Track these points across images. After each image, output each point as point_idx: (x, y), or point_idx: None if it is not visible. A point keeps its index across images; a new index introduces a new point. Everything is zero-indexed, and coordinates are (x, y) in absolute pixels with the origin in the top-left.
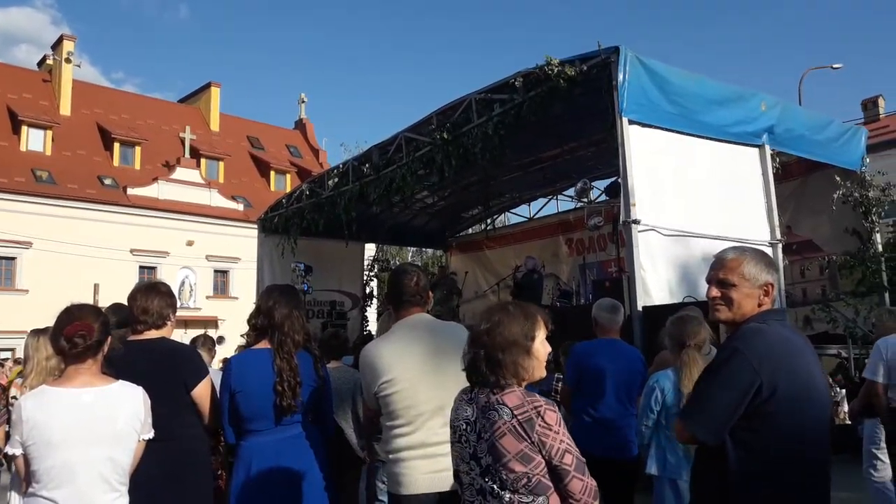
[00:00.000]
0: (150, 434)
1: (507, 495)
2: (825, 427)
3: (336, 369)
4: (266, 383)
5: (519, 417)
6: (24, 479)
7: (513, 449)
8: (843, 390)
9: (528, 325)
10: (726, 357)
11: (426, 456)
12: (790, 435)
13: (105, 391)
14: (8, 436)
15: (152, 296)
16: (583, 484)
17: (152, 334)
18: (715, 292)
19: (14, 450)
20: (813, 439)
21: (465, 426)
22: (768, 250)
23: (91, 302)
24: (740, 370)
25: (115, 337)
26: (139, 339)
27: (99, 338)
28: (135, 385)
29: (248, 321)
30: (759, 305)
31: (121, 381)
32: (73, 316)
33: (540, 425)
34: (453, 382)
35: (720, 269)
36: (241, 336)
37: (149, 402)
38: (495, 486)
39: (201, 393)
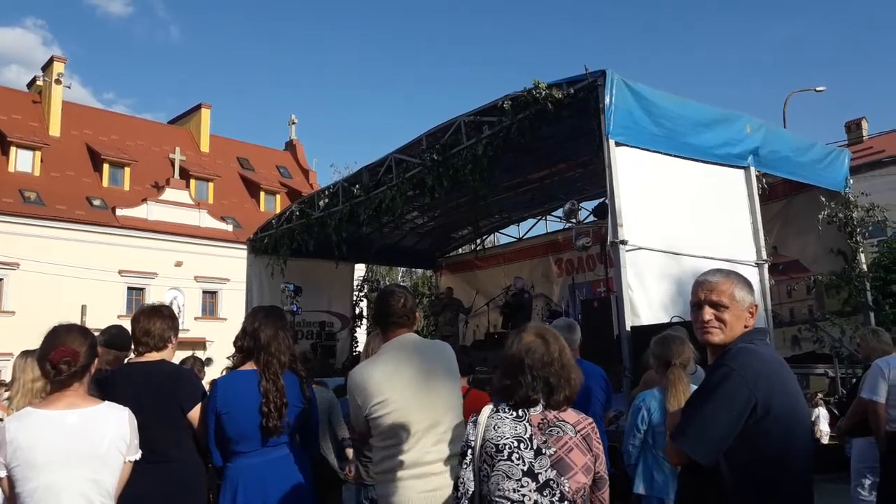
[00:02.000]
0: (137, 455)
1: None
2: (811, 445)
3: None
4: (252, 405)
5: (581, 433)
6: (9, 501)
7: (580, 462)
8: (820, 409)
9: (570, 351)
10: (721, 378)
11: (420, 475)
12: (785, 453)
13: (90, 412)
14: None
15: (154, 318)
16: (609, 492)
17: (153, 356)
18: (709, 315)
19: None
20: (802, 457)
21: (516, 443)
22: (755, 270)
23: (78, 323)
24: (737, 390)
25: (102, 358)
26: (140, 361)
27: (85, 362)
28: (121, 406)
29: (234, 343)
30: (745, 327)
31: (106, 403)
32: (59, 340)
33: (595, 439)
34: (443, 401)
35: (711, 292)
36: (228, 358)
37: (135, 423)
38: (554, 500)
39: (196, 415)
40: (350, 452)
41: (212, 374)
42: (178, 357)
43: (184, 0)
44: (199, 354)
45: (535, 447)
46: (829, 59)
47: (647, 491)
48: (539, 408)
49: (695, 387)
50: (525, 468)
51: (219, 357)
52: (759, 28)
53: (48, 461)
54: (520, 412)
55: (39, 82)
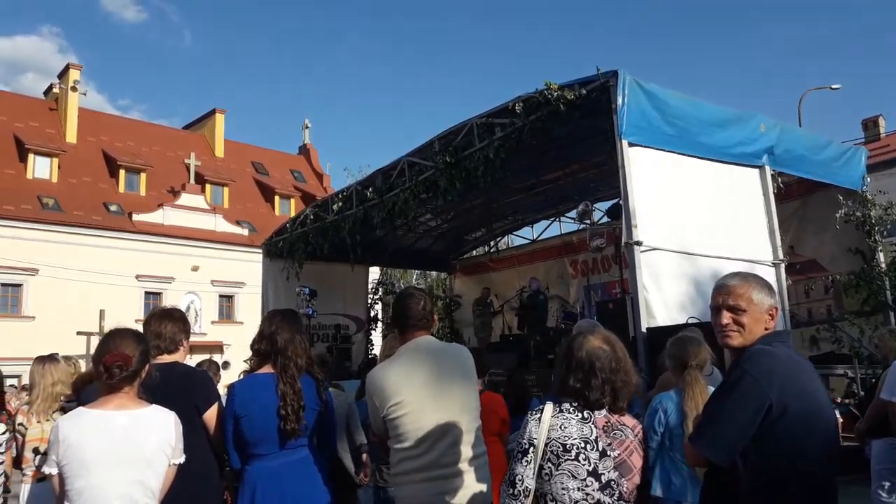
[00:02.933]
0: (181, 459)
1: None
2: (834, 446)
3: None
4: (270, 407)
5: (638, 437)
6: (59, 498)
7: (638, 464)
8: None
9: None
10: (736, 379)
11: (435, 478)
12: (800, 454)
13: (139, 415)
14: (14, 460)
15: (165, 321)
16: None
17: (165, 359)
18: (727, 319)
19: (50, 469)
20: (822, 458)
21: (583, 444)
22: (771, 270)
23: (96, 328)
24: (751, 391)
25: (152, 365)
26: (153, 364)
27: (137, 367)
28: (168, 410)
29: (251, 346)
30: (765, 329)
31: (154, 406)
32: (114, 344)
33: (645, 444)
34: (460, 403)
35: (729, 296)
36: (245, 361)
37: (181, 427)
38: (613, 499)
39: (212, 417)
40: (366, 458)
41: (228, 377)
42: (194, 361)
43: (196, 6)
44: (216, 358)
45: (600, 449)
46: (844, 56)
47: (664, 494)
48: (604, 411)
49: (712, 388)
50: (590, 468)
51: (235, 360)
52: (773, 26)
53: (97, 460)
54: (585, 414)
55: (56, 90)
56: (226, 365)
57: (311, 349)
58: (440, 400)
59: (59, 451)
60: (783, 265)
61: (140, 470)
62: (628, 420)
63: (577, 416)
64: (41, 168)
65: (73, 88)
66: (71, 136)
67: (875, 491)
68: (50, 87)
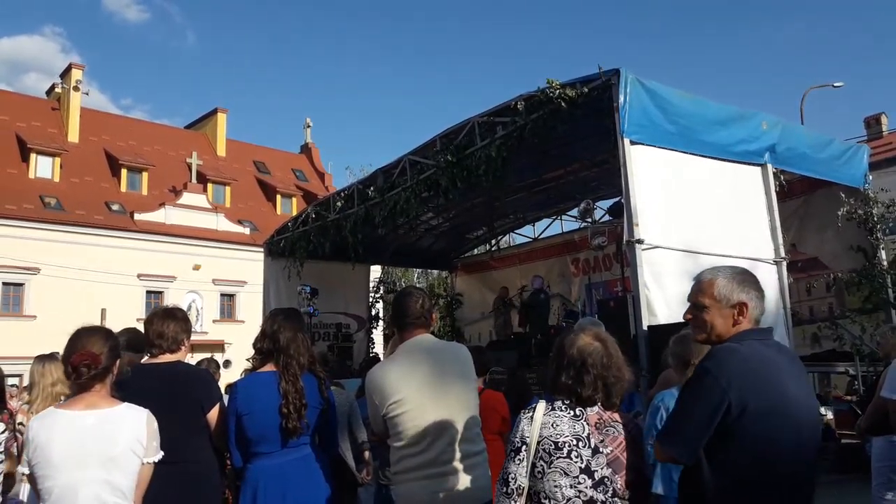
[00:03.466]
0: (157, 457)
1: (619, 502)
2: (806, 446)
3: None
4: (272, 406)
5: (631, 433)
6: (37, 497)
7: (631, 460)
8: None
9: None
10: (696, 378)
11: (435, 476)
12: (764, 453)
13: (108, 413)
14: (19, 458)
15: (168, 321)
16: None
17: (167, 358)
18: (688, 315)
19: (23, 469)
20: (790, 458)
21: (575, 441)
22: (773, 268)
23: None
24: (709, 389)
25: (124, 360)
26: (154, 363)
27: (106, 364)
28: (140, 408)
29: (254, 345)
30: (735, 325)
31: (126, 404)
32: (81, 343)
33: (640, 440)
34: (459, 401)
35: (694, 292)
36: (247, 360)
37: (155, 424)
38: (607, 497)
39: (214, 416)
40: (368, 455)
41: (230, 376)
42: (195, 359)
43: (199, 6)
44: (218, 357)
45: (592, 446)
46: (846, 54)
47: (665, 491)
48: (596, 408)
49: None
50: (582, 466)
51: (237, 359)
52: (775, 24)
53: (64, 461)
54: (577, 411)
55: (58, 89)
56: (227, 364)
57: (312, 348)
58: (439, 398)
59: (29, 452)
60: (785, 263)
61: (108, 470)
62: (621, 417)
63: (569, 413)
64: (43, 167)
65: (76, 88)
66: (73, 135)
67: (876, 488)
68: (52, 87)
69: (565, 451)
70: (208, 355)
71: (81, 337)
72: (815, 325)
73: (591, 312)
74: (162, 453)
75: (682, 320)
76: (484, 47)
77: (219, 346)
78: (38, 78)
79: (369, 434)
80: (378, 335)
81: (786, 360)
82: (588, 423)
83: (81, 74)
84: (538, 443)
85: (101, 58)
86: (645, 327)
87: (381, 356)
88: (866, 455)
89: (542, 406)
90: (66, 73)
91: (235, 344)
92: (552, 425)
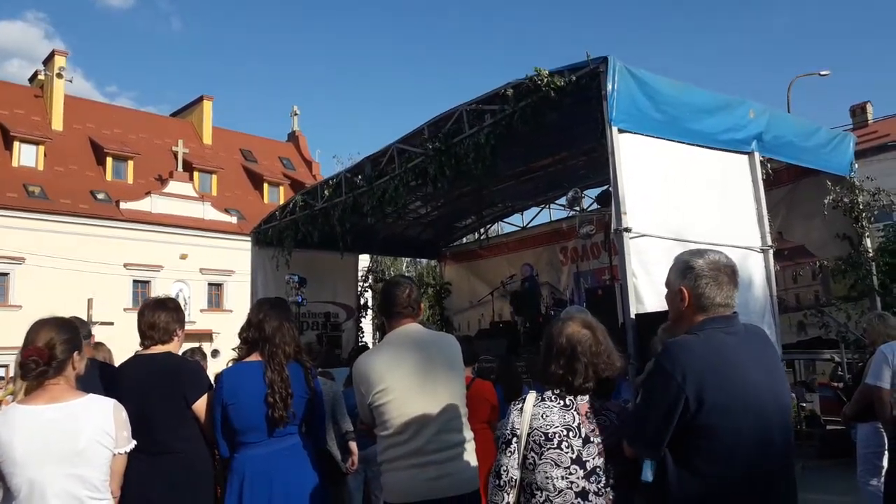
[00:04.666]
0: (128, 447)
1: (612, 492)
2: (771, 439)
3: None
4: (258, 395)
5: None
6: (7, 495)
7: (625, 449)
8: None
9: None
10: (651, 374)
11: (421, 464)
12: (724, 447)
13: (70, 406)
14: None
15: (159, 311)
16: None
17: (158, 349)
18: None
19: None
20: (753, 451)
21: (565, 432)
22: (760, 256)
23: (84, 317)
24: (664, 386)
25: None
26: (145, 354)
27: (62, 357)
28: (105, 398)
29: (239, 334)
30: (680, 311)
31: (90, 395)
32: (30, 337)
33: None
34: (446, 390)
35: None
36: (233, 350)
37: (123, 414)
38: (599, 486)
39: (202, 407)
40: (353, 446)
41: (217, 365)
42: (182, 349)
43: None
44: (206, 346)
45: (583, 435)
46: (833, 42)
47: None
48: (587, 396)
49: None
50: (574, 456)
51: (225, 349)
52: (762, 12)
53: (27, 457)
54: (567, 401)
55: (41, 76)
56: (215, 353)
57: (299, 337)
58: (426, 387)
59: None
60: (771, 251)
61: (74, 464)
62: (613, 405)
63: (558, 403)
64: (27, 156)
65: (59, 75)
66: (57, 123)
67: (861, 474)
68: (35, 74)
69: (556, 441)
70: (196, 345)
71: (31, 331)
72: (801, 313)
73: (580, 301)
74: (135, 442)
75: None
76: (473, 35)
77: (206, 336)
78: (20, 65)
79: (357, 424)
80: (367, 324)
81: (750, 348)
82: (579, 413)
83: (65, 61)
84: (528, 434)
85: (85, 44)
86: (633, 315)
87: (370, 345)
88: (851, 441)
89: (531, 397)
90: (48, 60)
91: (223, 333)
92: (542, 416)
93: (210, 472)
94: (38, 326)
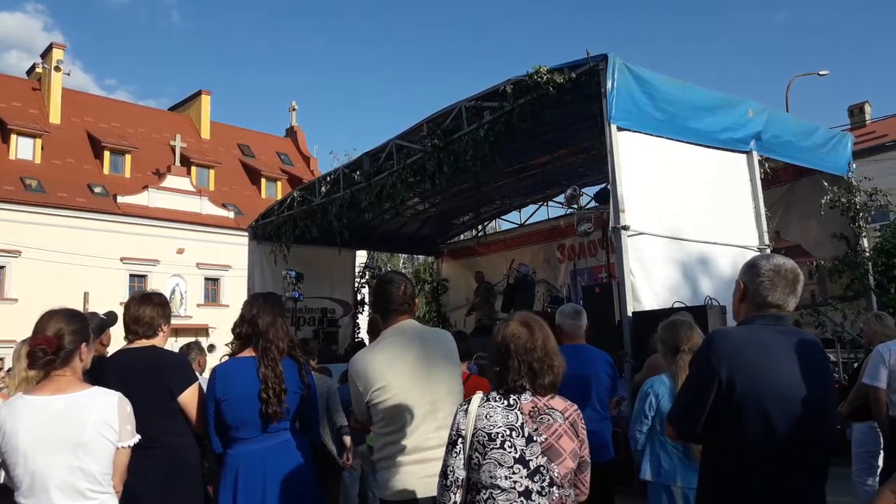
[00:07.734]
0: (132, 440)
1: (556, 491)
2: (799, 428)
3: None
4: (251, 391)
5: (569, 419)
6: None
7: (568, 448)
8: None
9: (554, 339)
10: (694, 360)
11: (420, 461)
12: (753, 431)
13: (75, 398)
14: None
15: (144, 306)
16: (590, 475)
17: (142, 343)
18: None
19: None
20: (781, 437)
21: (508, 431)
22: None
23: (81, 310)
24: (701, 369)
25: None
26: (129, 348)
27: (69, 347)
28: (111, 391)
29: (233, 330)
30: (737, 305)
31: (96, 388)
32: (39, 327)
33: (581, 425)
34: (444, 386)
35: None
36: (227, 345)
37: (128, 407)
38: (544, 486)
39: (187, 399)
40: (348, 440)
41: (215, 360)
42: (180, 344)
43: None
44: (202, 341)
45: (526, 435)
46: (832, 42)
47: (654, 477)
48: (528, 395)
49: None
50: (517, 455)
51: (221, 344)
52: (760, 12)
53: (31, 448)
54: (511, 400)
55: (39, 69)
56: (211, 348)
57: (293, 332)
58: (423, 384)
59: None
60: (769, 250)
61: (77, 456)
62: (558, 403)
63: (502, 403)
64: (24, 149)
65: (57, 68)
66: (54, 116)
67: (856, 474)
68: (33, 67)
69: (499, 441)
70: (192, 339)
71: (41, 320)
72: (797, 312)
73: (576, 298)
74: (138, 437)
75: (668, 307)
76: (472, 30)
77: (203, 331)
78: (19, 56)
79: (351, 420)
80: (363, 320)
81: (792, 347)
82: (522, 412)
83: (62, 54)
84: (473, 435)
85: (85, 37)
86: (629, 313)
87: (366, 341)
88: (847, 441)
89: (477, 398)
90: (46, 53)
91: (219, 328)
92: (486, 417)
93: (197, 464)
94: (48, 316)
